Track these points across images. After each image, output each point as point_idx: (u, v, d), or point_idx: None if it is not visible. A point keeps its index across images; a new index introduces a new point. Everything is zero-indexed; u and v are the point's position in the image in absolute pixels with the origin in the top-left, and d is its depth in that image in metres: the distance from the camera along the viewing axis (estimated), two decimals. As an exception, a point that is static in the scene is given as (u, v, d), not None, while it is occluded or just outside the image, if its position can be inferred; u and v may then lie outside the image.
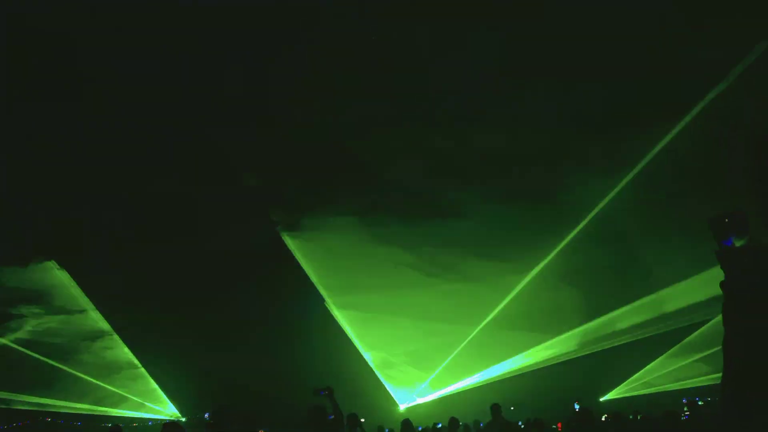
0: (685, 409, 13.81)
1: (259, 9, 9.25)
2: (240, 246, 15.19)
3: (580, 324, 16.16)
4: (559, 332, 16.75)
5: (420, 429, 13.69)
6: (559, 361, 18.26)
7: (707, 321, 15.77)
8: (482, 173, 12.20)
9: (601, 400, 20.77)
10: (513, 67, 9.59)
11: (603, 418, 13.15)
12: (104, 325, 17.34)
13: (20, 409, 18.93)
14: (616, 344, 17.15)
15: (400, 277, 15.50)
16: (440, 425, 12.04)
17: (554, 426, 13.90)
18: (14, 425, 19.96)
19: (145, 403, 20.21)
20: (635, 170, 10.82)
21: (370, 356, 19.08)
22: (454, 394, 20.10)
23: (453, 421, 10.78)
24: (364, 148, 11.85)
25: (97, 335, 17.86)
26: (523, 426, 10.59)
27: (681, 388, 19.75)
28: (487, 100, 10.16)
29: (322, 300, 16.79)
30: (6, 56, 9.73)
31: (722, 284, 1.31)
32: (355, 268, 15.70)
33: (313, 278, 16.08)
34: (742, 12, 7.42)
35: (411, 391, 20.69)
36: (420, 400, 20.96)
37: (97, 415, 20.18)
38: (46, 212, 13.14)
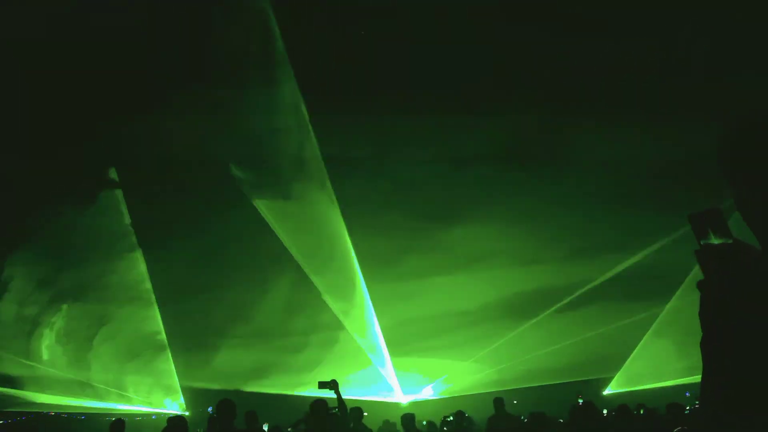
0: (696, 402, 13.77)
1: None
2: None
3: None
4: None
5: (425, 423, 13.72)
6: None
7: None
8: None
9: (605, 393, 20.73)
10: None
11: (605, 412, 13.14)
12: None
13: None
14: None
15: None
16: (450, 418, 12.10)
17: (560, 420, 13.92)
18: (17, 419, 20.06)
19: (150, 396, 20.26)
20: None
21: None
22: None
23: (459, 414, 10.86)
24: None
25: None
26: (526, 420, 10.65)
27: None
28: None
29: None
30: None
31: (700, 284, 1.32)
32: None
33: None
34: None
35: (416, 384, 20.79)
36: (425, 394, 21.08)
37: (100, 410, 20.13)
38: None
